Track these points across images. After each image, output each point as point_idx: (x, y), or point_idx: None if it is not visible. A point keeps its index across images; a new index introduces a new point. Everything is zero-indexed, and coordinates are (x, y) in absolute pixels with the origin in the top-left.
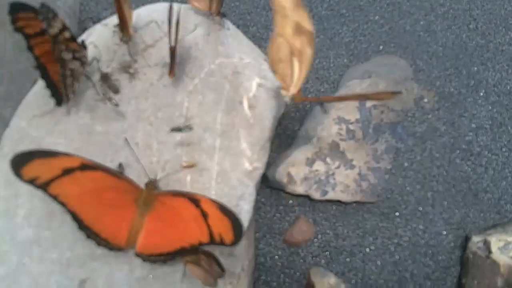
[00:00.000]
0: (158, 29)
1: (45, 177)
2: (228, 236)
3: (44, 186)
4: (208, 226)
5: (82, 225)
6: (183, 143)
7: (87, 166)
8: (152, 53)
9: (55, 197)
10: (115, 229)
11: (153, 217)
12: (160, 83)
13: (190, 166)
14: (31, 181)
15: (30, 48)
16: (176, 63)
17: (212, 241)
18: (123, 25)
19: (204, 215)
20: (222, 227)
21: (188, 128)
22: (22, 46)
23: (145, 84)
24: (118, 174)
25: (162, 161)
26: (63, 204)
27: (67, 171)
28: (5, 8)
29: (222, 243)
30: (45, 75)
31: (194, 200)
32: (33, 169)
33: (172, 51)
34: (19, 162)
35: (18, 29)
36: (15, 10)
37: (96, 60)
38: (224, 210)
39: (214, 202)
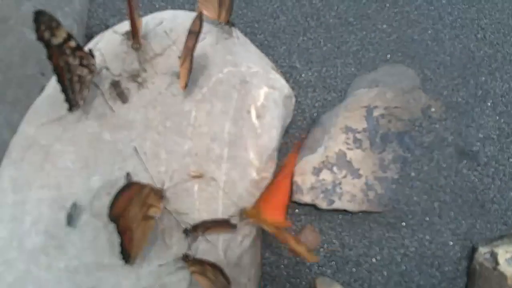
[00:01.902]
0: (167, 37)
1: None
2: None
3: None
4: None
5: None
6: (191, 152)
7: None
8: (160, 61)
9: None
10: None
11: None
12: (168, 92)
13: (198, 176)
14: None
15: (50, 57)
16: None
17: None
18: (134, 33)
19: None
20: None
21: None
22: (29, 51)
23: (153, 93)
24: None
25: (170, 170)
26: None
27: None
28: (14, 14)
29: None
30: (61, 80)
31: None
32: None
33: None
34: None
35: (40, 38)
36: (39, 19)
37: (106, 68)
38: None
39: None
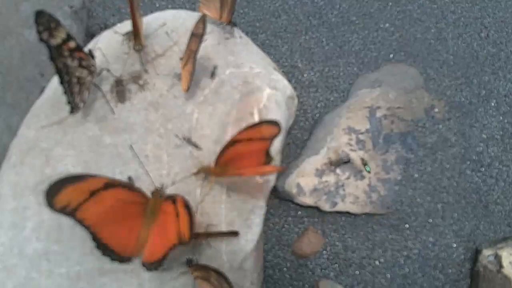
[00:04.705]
0: (168, 38)
1: (74, 203)
2: (185, 234)
3: (73, 213)
4: (178, 225)
5: (100, 244)
6: (193, 155)
7: (109, 185)
8: (161, 62)
9: (81, 222)
10: (126, 242)
11: (156, 225)
12: (170, 94)
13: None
14: (62, 210)
15: (51, 58)
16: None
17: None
18: (136, 33)
19: (177, 215)
20: (183, 224)
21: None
22: (29, 52)
23: (154, 95)
24: (133, 188)
25: (172, 173)
26: (87, 227)
27: (92, 193)
28: (13, 15)
29: (180, 242)
30: (63, 82)
31: (174, 201)
32: (64, 196)
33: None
34: (53, 192)
35: (41, 39)
36: (40, 20)
37: (106, 70)
38: (187, 206)
39: (183, 199)
